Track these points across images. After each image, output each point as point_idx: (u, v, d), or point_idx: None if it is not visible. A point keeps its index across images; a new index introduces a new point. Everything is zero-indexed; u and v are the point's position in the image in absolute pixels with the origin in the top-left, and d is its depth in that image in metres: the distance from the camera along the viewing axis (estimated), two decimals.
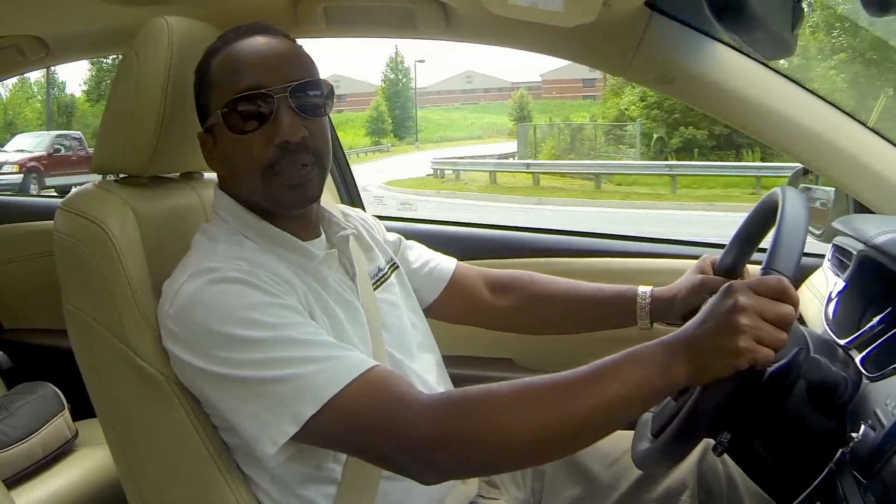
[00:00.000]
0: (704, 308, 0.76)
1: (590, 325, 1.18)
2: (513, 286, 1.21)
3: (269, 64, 0.90)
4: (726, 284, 0.75)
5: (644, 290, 1.12)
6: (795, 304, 0.74)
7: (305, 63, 0.93)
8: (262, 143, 0.89)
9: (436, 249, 1.26)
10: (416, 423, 0.78)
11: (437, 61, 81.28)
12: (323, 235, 1.03)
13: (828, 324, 1.01)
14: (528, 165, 16.07)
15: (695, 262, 1.13)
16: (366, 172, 17.84)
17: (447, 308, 1.20)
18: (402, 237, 1.23)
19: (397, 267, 1.14)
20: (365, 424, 0.79)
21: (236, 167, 0.93)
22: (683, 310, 1.07)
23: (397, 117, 38.03)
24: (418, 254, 1.22)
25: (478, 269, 1.24)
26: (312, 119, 0.92)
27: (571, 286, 1.18)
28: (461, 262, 1.24)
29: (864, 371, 0.84)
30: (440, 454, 0.77)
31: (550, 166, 16.35)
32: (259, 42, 0.92)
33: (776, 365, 0.81)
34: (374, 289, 1.05)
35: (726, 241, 1.11)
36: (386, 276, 1.10)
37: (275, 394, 0.80)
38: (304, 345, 0.82)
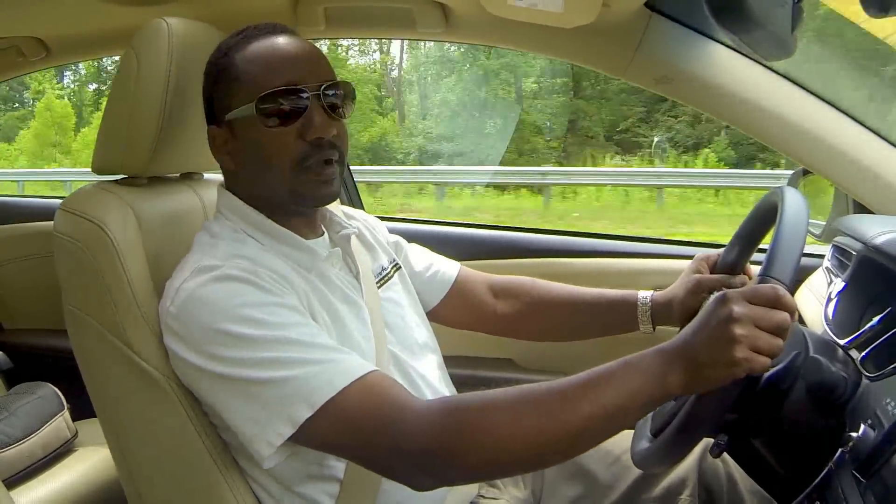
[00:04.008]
0: (699, 316, 0.76)
1: (592, 331, 1.18)
2: (515, 292, 1.20)
3: (303, 62, 0.92)
4: (720, 293, 0.75)
5: (644, 294, 1.12)
6: (791, 310, 0.73)
7: (329, 65, 0.95)
8: (295, 137, 0.91)
9: (437, 250, 1.26)
10: (412, 431, 0.77)
11: None
12: (325, 234, 1.03)
13: (828, 324, 1.00)
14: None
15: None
16: None
17: (450, 313, 1.20)
18: (403, 239, 1.23)
19: (399, 267, 1.14)
20: (360, 429, 0.79)
21: (264, 161, 0.93)
22: (682, 312, 1.07)
23: None
24: (421, 257, 1.21)
25: (481, 275, 1.23)
26: (338, 120, 0.94)
27: (574, 292, 1.18)
28: (464, 267, 1.23)
29: (863, 371, 0.84)
30: (435, 461, 0.77)
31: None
32: (288, 41, 0.93)
33: (773, 370, 0.81)
34: (378, 287, 1.05)
35: (724, 242, 1.11)
36: (389, 276, 1.10)
37: (271, 395, 0.80)
38: (301, 346, 0.82)
